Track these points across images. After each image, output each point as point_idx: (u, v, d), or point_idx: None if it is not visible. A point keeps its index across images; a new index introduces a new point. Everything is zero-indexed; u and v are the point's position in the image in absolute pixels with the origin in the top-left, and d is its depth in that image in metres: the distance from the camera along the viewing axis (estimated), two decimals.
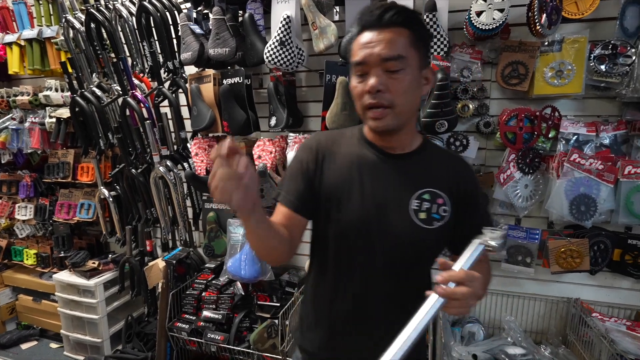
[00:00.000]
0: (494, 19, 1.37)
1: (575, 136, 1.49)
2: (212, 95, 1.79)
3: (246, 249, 1.75)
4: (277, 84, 1.73)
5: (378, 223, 0.85)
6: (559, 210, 1.47)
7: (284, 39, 1.57)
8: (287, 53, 1.58)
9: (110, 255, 2.36)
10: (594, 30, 1.44)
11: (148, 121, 1.83)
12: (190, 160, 1.94)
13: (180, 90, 1.94)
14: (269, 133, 1.88)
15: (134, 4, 1.93)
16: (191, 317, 1.84)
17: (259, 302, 1.80)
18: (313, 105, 1.87)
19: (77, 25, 2.02)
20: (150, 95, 1.97)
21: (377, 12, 0.78)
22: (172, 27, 1.86)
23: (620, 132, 1.48)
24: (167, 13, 1.84)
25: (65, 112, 2.24)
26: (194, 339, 1.76)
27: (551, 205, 1.49)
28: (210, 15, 1.70)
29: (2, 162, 2.59)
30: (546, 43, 1.45)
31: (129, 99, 1.86)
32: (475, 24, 1.39)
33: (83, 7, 2.04)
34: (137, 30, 1.88)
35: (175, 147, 1.99)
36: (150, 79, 2.08)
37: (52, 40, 2.24)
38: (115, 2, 1.95)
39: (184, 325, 1.80)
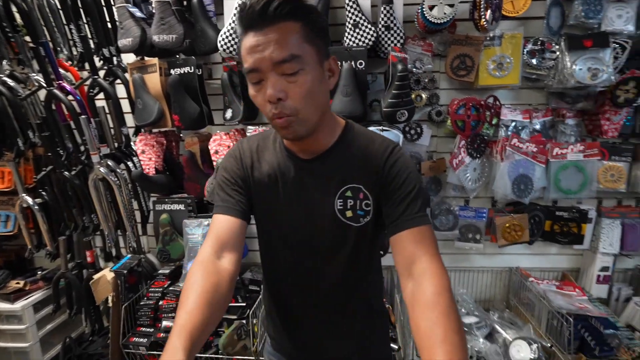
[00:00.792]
0: (445, 13, 1.45)
1: (514, 123, 1.67)
2: (159, 86, 1.63)
3: None
4: (232, 74, 1.64)
5: (310, 232, 0.86)
6: (503, 190, 1.64)
7: None
8: None
9: (39, 272, 2.04)
10: (527, 27, 1.60)
11: (83, 117, 1.60)
12: (135, 158, 1.75)
13: (119, 80, 1.73)
14: (223, 127, 1.78)
15: None
16: (148, 329, 1.68)
17: None
18: None
19: None
20: (80, 86, 1.73)
21: (257, 6, 0.65)
22: (104, 8, 1.65)
23: (547, 118, 1.69)
24: None
25: None
26: (154, 352, 1.62)
27: (497, 185, 1.65)
28: None
29: None
30: (488, 38, 1.58)
31: (56, 91, 1.61)
32: (428, 17, 1.47)
33: None
34: (61, 11, 1.63)
35: (116, 144, 1.78)
36: (77, 69, 1.83)
37: None
38: None
39: (141, 340, 1.64)
